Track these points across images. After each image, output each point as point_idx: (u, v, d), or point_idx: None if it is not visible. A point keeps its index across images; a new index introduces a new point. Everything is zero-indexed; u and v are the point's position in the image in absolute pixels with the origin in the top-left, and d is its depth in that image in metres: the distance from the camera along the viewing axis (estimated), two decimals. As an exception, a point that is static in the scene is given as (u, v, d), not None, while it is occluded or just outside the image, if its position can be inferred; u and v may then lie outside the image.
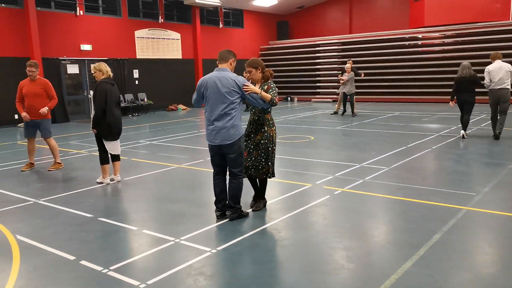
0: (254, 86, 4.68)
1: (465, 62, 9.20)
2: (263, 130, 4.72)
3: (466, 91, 9.08)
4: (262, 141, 4.73)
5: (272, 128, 4.75)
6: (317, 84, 21.96)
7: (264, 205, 5.04)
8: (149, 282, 3.32)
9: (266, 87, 4.67)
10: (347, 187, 5.76)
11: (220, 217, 4.71)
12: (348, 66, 14.33)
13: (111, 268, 3.58)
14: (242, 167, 4.63)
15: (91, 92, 6.31)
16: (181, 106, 19.03)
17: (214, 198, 4.79)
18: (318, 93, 21.88)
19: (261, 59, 25.44)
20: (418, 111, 15.25)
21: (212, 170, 4.77)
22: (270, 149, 4.72)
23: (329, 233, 4.26)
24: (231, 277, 3.41)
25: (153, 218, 4.93)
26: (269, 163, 4.76)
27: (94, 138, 6.43)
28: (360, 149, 8.50)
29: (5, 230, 4.55)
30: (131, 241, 4.26)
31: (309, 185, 5.94)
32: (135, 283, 3.33)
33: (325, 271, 3.43)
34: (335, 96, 21.03)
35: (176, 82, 19.08)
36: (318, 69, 21.86)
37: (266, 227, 4.43)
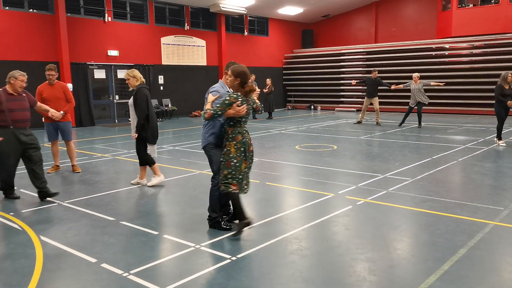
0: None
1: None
2: (224, 144, 4.45)
3: None
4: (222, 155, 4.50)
5: (231, 143, 4.34)
6: (341, 93, 21.80)
7: (240, 229, 4.45)
8: (169, 287, 3.31)
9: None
10: (370, 198, 5.66)
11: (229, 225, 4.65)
12: (416, 75, 13.41)
13: (132, 272, 3.60)
14: (214, 173, 4.62)
15: (130, 99, 6.38)
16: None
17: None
18: (342, 102, 21.72)
19: (285, 67, 25.32)
20: (444, 122, 14.94)
21: None
22: (222, 162, 4.40)
23: (351, 244, 4.18)
24: (249, 286, 3.38)
25: (175, 223, 4.95)
26: (221, 176, 4.43)
27: (135, 142, 6.44)
28: (384, 159, 8.36)
29: (30, 231, 4.64)
30: (152, 246, 4.28)
31: (331, 195, 5.86)
32: (155, 287, 3.33)
33: (346, 283, 3.36)
34: (359, 105, 20.89)
35: (200, 89, 19.24)
36: (342, 78, 21.71)
37: (287, 236, 4.39)
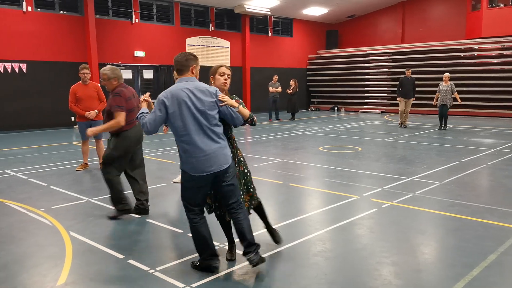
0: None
1: None
2: (233, 153, 3.77)
3: None
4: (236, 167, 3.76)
5: (240, 150, 3.89)
6: (366, 94, 21.56)
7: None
8: (194, 285, 3.35)
9: (235, 100, 3.70)
10: (395, 201, 5.58)
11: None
12: (446, 75, 13.13)
13: (158, 268, 3.66)
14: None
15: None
16: (227, 113, 19.29)
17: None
18: (367, 104, 21.47)
19: (309, 68, 25.20)
20: (472, 125, 14.59)
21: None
22: (248, 173, 3.87)
23: (376, 247, 4.13)
24: (273, 286, 3.38)
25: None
26: (250, 190, 3.87)
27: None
28: (410, 162, 8.23)
29: (60, 226, 4.77)
30: (177, 244, 4.33)
31: (356, 197, 5.81)
32: (180, 285, 3.38)
33: (371, 287, 3.33)
34: (384, 107, 20.62)
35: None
36: (367, 79, 21.47)
37: (311, 238, 4.37)
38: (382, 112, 20.46)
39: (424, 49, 19.81)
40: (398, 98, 14.06)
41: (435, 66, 19.01)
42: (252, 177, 3.91)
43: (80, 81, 7.68)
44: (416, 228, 4.65)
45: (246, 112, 3.66)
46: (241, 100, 3.75)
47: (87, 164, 7.98)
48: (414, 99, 14.07)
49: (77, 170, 7.72)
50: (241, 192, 3.71)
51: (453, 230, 4.58)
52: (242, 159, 3.85)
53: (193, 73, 3.56)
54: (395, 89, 21.15)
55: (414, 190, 6.08)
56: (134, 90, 5.29)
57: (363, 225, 4.74)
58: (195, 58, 3.60)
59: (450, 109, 13.30)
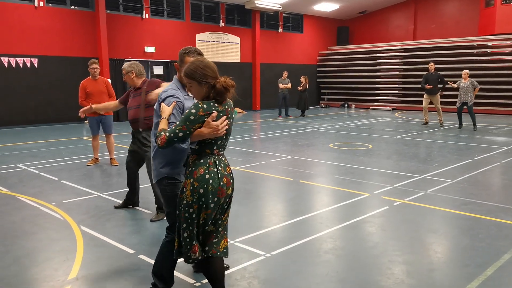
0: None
1: None
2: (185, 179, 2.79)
3: None
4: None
5: (188, 181, 2.71)
6: (377, 91, 21.38)
7: None
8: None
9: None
10: (407, 199, 5.51)
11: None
12: (465, 72, 12.60)
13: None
14: (170, 224, 3.09)
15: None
16: (237, 110, 19.25)
17: (267, 202, 4.74)
18: (377, 101, 21.30)
19: (319, 65, 24.84)
20: (486, 123, 14.39)
21: None
22: (179, 214, 2.80)
23: (388, 245, 4.08)
24: (283, 284, 3.35)
25: (209, 218, 4.98)
26: (179, 237, 2.83)
27: None
28: (422, 160, 8.14)
29: (71, 220, 4.79)
30: (187, 239, 4.32)
31: (367, 195, 5.75)
32: (190, 281, 3.37)
33: (384, 285, 3.29)
34: (395, 104, 20.44)
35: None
36: (378, 76, 21.29)
37: (322, 235, 4.33)
38: (393, 109, 20.28)
39: (436, 46, 19.57)
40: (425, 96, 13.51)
41: (447, 63, 18.76)
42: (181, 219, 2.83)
43: (90, 76, 7.70)
44: (428, 227, 4.60)
45: (161, 125, 2.74)
46: (193, 109, 2.65)
47: (97, 159, 8.01)
48: (442, 93, 13.38)
49: (88, 165, 7.76)
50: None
51: (466, 229, 4.51)
52: (184, 188, 2.75)
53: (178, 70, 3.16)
54: (406, 86, 20.93)
55: (426, 188, 6.00)
56: (160, 81, 4.98)
57: (375, 223, 4.69)
58: (181, 55, 3.20)
59: (463, 107, 12.95)
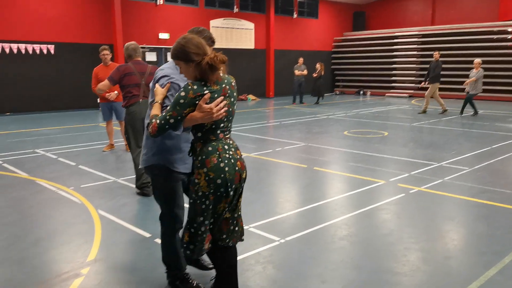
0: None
1: None
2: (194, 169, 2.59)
3: None
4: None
5: (201, 171, 2.50)
6: (393, 78, 21.08)
7: None
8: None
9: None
10: (424, 186, 5.46)
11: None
12: (478, 61, 12.52)
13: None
14: (162, 213, 2.99)
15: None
16: (250, 97, 19.22)
17: (281, 189, 4.74)
18: (393, 88, 21.01)
19: (334, 51, 24.39)
20: (504, 111, 14.11)
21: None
22: (190, 202, 2.62)
23: (404, 233, 4.06)
24: (298, 269, 3.37)
25: (224, 203, 5.01)
26: (187, 226, 2.65)
27: None
28: (439, 147, 8.03)
29: (89, 204, 4.87)
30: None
31: (382, 182, 5.71)
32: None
33: (399, 272, 3.28)
34: (411, 91, 20.14)
35: (247, 73, 19.26)
36: (395, 63, 20.96)
37: (336, 222, 4.33)
38: (409, 96, 20.00)
39: (454, 32, 19.14)
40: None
41: (466, 49, 18.36)
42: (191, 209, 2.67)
43: (102, 63, 7.74)
44: (445, 215, 4.55)
45: (153, 110, 2.59)
46: (183, 91, 2.43)
47: (113, 144, 8.09)
48: (438, 84, 13.22)
49: (104, 151, 7.85)
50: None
51: (483, 217, 4.46)
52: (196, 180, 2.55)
53: None
54: (424, 72, 20.59)
55: (443, 176, 5.93)
56: (151, 67, 5.31)
57: (390, 210, 4.66)
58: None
59: (482, 94, 12.69)
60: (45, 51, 13.84)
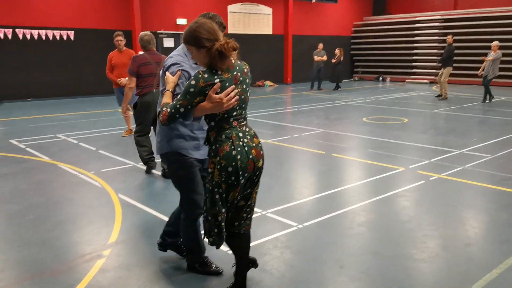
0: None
1: None
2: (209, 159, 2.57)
3: None
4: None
5: (214, 160, 2.49)
6: (414, 63, 20.67)
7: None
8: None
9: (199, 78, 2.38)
10: (444, 174, 5.38)
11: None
12: (495, 43, 12.19)
13: (202, 232, 3.73)
14: (182, 202, 2.98)
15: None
16: (268, 83, 19.12)
17: (299, 175, 4.69)
18: (414, 74, 20.62)
19: (353, 36, 24.07)
20: (529, 97, 13.74)
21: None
22: (206, 195, 2.59)
23: (423, 219, 4.02)
24: (316, 254, 3.38)
25: (241, 188, 5.04)
26: (205, 215, 2.62)
27: None
28: (460, 134, 7.88)
29: (109, 188, 4.96)
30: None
31: (402, 169, 5.65)
32: (224, 248, 3.44)
33: (418, 259, 3.26)
34: (433, 77, 19.73)
35: (265, 58, 19.14)
36: (416, 48, 20.53)
37: (354, 208, 4.31)
38: (430, 82, 19.61)
39: (478, 16, 18.61)
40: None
41: (489, 34, 17.85)
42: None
43: (116, 49, 7.79)
44: (465, 202, 4.49)
45: (164, 99, 2.56)
46: (193, 79, 2.37)
47: (131, 130, 8.17)
48: (451, 69, 13.06)
49: (123, 136, 7.95)
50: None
51: (505, 205, 4.38)
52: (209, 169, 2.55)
53: None
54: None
55: (464, 163, 5.84)
56: (162, 57, 5.42)
57: (409, 197, 4.62)
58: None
59: (505, 80, 12.41)
60: (65, 37, 13.99)
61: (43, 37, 13.58)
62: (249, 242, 2.80)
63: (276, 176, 5.43)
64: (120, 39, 7.67)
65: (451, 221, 3.98)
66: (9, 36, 13.07)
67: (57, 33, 13.82)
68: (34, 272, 3.09)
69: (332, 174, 5.59)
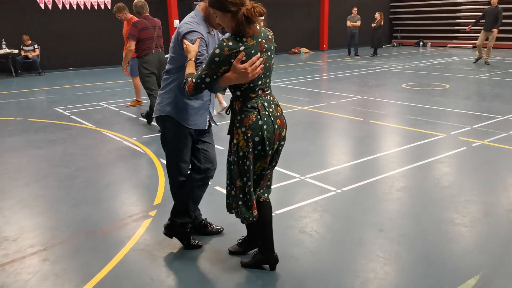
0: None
1: None
2: (233, 129, 2.50)
3: None
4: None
5: (239, 131, 2.42)
6: (456, 27, 19.72)
7: (256, 264, 2.77)
8: (277, 212, 3.49)
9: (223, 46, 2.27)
10: (487, 140, 5.23)
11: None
12: None
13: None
14: (168, 165, 2.97)
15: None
16: (303, 50, 18.81)
17: (337, 141, 4.70)
18: (456, 38, 19.70)
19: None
20: None
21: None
22: (231, 167, 2.55)
23: (465, 185, 3.97)
24: (355, 218, 3.42)
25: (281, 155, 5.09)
26: (230, 191, 2.60)
27: None
28: (505, 100, 7.57)
29: (151, 153, 5.14)
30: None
31: (443, 135, 5.53)
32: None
33: (459, 223, 3.24)
34: (476, 41, 18.78)
35: (300, 25, 18.75)
36: (459, 11, 19.52)
37: (393, 174, 4.29)
38: (473, 47, 18.69)
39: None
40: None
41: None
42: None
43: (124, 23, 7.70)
44: (509, 168, 4.37)
45: (188, 69, 2.44)
46: (222, 47, 2.25)
47: (139, 101, 7.96)
48: (497, 31, 12.38)
49: (127, 106, 7.83)
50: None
51: (553, 172, 4.24)
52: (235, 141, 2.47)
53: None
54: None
55: (509, 130, 5.64)
56: (159, 21, 6.14)
57: (451, 163, 4.54)
58: None
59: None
60: (102, 6, 14.18)
61: (82, 7, 13.83)
62: (271, 210, 2.75)
63: (313, 142, 5.44)
64: (119, 15, 7.52)
65: (494, 187, 3.91)
66: (50, 6, 13.39)
67: (94, 1, 14.02)
68: (88, 230, 3.30)
69: (370, 141, 5.54)
